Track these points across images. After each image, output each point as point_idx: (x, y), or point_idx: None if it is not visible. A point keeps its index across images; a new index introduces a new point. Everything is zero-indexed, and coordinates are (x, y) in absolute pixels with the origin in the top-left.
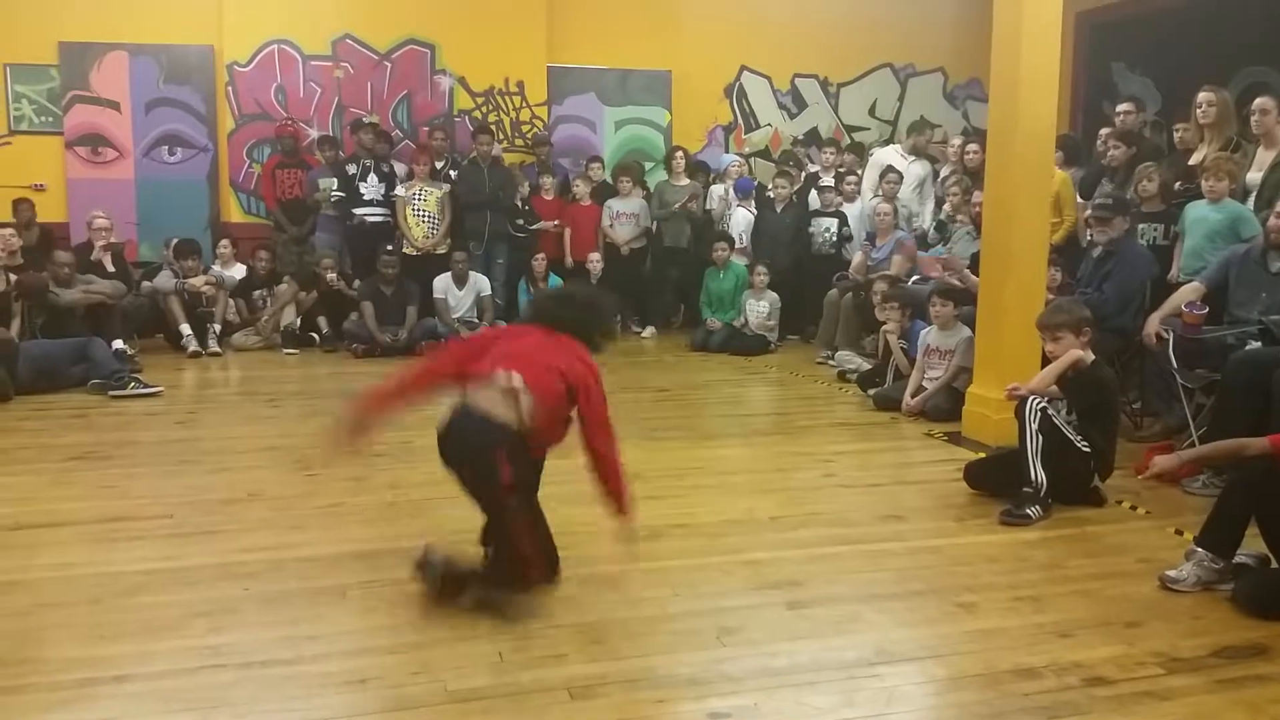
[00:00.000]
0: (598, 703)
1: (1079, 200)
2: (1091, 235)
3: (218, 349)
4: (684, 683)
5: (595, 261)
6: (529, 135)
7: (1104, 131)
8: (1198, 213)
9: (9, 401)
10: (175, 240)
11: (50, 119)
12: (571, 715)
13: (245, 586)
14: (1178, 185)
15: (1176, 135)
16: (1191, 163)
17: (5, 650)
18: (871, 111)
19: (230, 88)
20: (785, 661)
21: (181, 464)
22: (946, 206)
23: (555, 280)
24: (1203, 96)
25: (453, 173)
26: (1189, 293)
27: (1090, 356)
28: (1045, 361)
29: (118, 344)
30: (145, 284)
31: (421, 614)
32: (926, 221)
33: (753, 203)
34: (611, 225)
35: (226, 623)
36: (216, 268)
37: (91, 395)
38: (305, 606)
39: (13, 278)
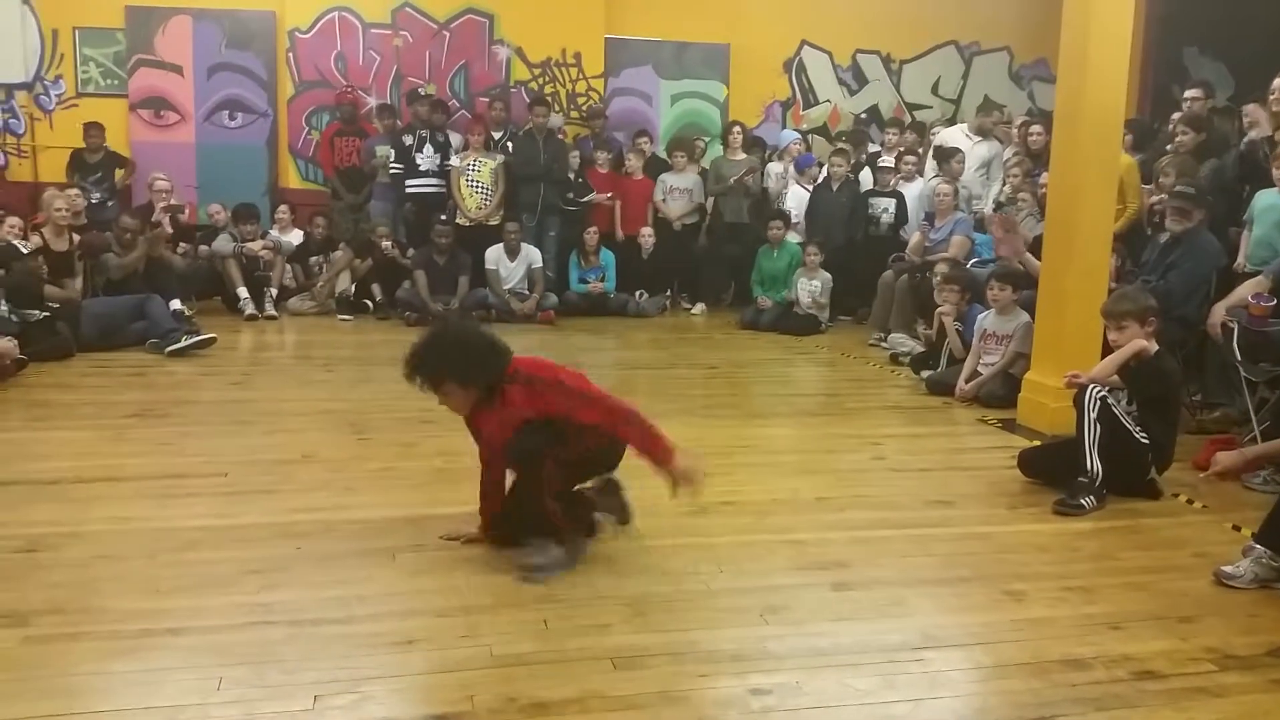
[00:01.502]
0: (640, 674)
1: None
2: (1164, 222)
3: (274, 313)
4: (727, 658)
5: (647, 236)
6: (584, 107)
7: (1176, 116)
8: (1267, 200)
9: (71, 359)
10: (216, 205)
11: (116, 82)
12: (615, 684)
13: (297, 546)
14: None
15: (1245, 119)
16: None
17: (66, 598)
18: (934, 90)
19: (291, 54)
20: (828, 642)
21: (237, 424)
22: (1006, 187)
23: (607, 255)
24: (1278, 83)
25: (509, 144)
26: (1256, 284)
27: (1154, 347)
28: (1106, 349)
29: (175, 304)
30: (204, 247)
31: (467, 581)
32: (988, 204)
33: (810, 181)
34: (664, 200)
35: (279, 580)
36: (274, 233)
37: (150, 354)
38: (356, 567)
39: (76, 238)
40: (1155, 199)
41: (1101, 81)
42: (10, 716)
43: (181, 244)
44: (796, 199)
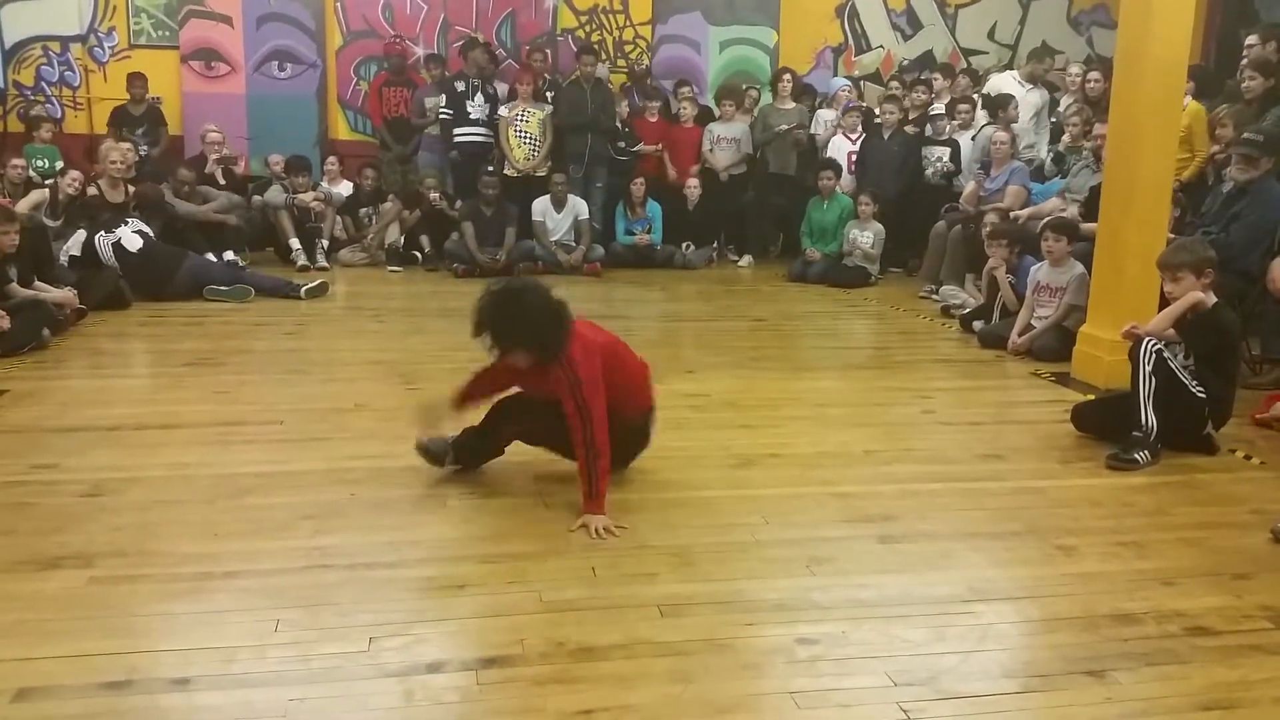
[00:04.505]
0: (687, 621)
1: None
2: (1228, 171)
3: (325, 264)
4: (773, 608)
5: (693, 188)
6: (631, 56)
7: (1244, 61)
8: None
9: (128, 309)
10: (276, 156)
11: (167, 33)
12: (661, 631)
13: (351, 492)
14: None
15: None
16: None
17: (128, 541)
18: (991, 35)
19: (339, 4)
20: (875, 594)
21: (291, 373)
22: (1065, 137)
23: (654, 206)
24: None
25: (548, 94)
26: None
27: (1212, 299)
28: (1164, 302)
29: (229, 255)
30: (256, 198)
31: (516, 527)
32: (1042, 152)
33: (852, 129)
34: (711, 150)
35: (333, 525)
36: (325, 184)
37: (205, 303)
38: (408, 513)
39: (131, 189)
40: (1215, 148)
41: (1165, 25)
42: (77, 653)
43: (235, 195)
44: (838, 149)
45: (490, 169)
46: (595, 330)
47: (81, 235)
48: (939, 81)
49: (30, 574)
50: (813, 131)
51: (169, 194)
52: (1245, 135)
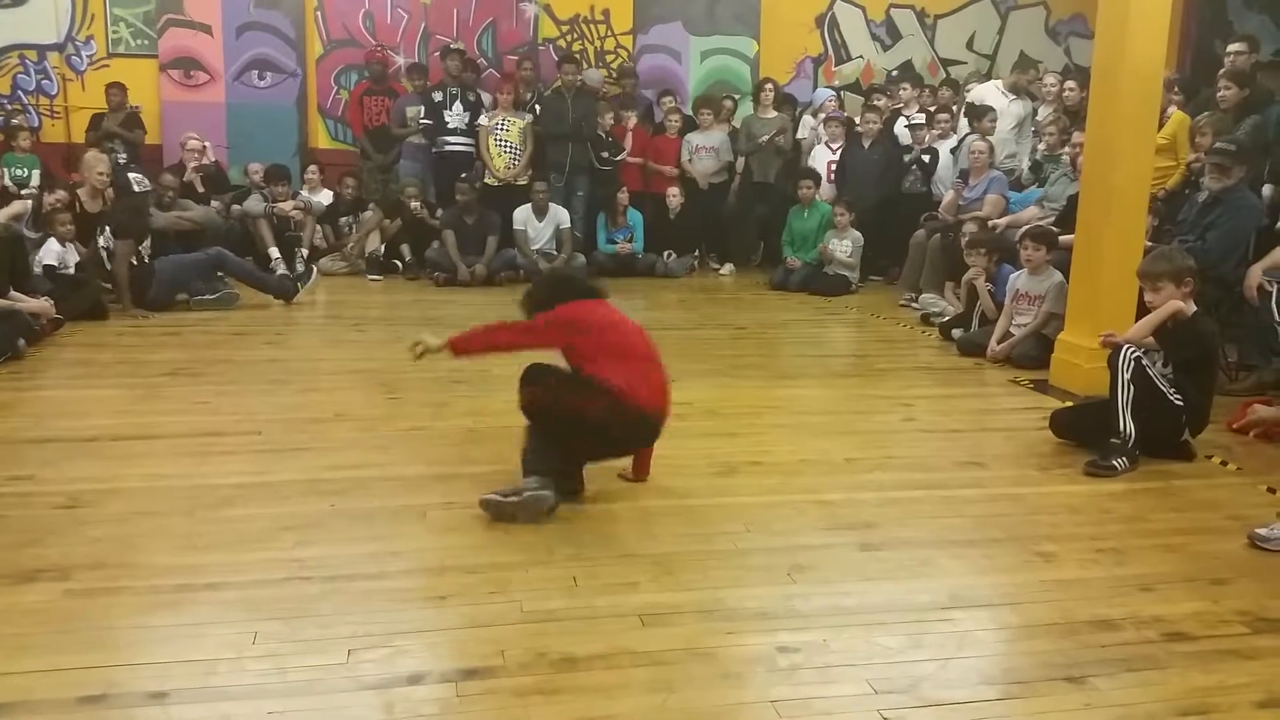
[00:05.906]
0: (668, 630)
1: None
2: (1203, 180)
3: (305, 272)
4: (754, 616)
5: (674, 196)
6: (614, 65)
7: (1221, 71)
8: None
9: (106, 319)
10: (253, 164)
11: (146, 42)
12: (643, 641)
13: (331, 503)
14: None
15: None
16: None
17: (106, 554)
18: (969, 45)
19: (319, 13)
20: (855, 601)
21: (270, 383)
22: (1042, 146)
23: (635, 215)
24: None
25: (536, 105)
26: None
27: (1191, 308)
28: (1143, 310)
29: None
30: (235, 207)
31: (497, 538)
32: (1024, 162)
33: (837, 141)
34: (690, 159)
35: (313, 537)
36: (304, 193)
37: (185, 313)
38: (388, 524)
39: (109, 194)
40: (1192, 157)
41: (1141, 36)
42: (53, 667)
43: (215, 202)
44: (819, 158)
45: (464, 175)
46: (614, 328)
47: (54, 244)
48: (907, 91)
49: (6, 587)
50: (799, 137)
51: (152, 203)
52: (1218, 145)
